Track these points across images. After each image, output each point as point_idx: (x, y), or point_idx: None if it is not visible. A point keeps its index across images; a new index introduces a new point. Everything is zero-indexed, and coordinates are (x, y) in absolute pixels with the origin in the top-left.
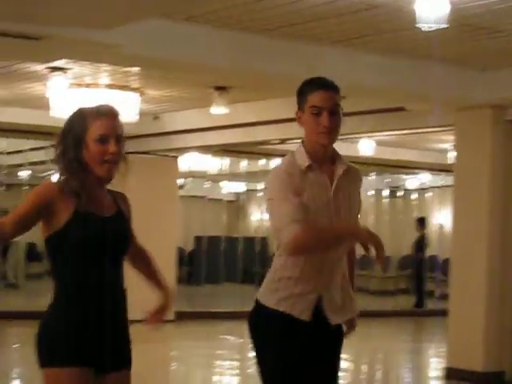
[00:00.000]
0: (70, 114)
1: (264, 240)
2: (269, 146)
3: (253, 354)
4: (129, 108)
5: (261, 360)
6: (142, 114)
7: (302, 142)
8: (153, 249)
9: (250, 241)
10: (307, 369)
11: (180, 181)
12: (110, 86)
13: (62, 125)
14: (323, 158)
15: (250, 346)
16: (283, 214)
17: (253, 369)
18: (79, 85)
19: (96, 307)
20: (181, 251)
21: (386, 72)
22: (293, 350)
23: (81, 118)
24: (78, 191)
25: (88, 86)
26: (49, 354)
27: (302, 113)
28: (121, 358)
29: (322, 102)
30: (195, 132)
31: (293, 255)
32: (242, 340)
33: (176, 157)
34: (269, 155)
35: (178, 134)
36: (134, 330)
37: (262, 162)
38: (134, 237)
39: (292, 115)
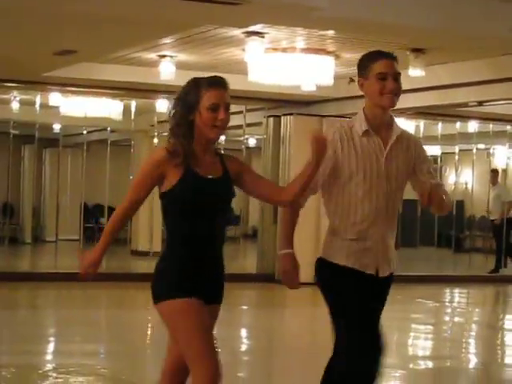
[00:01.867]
0: (186, 83)
1: (460, 203)
2: (466, 109)
3: (450, 317)
4: (324, 71)
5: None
6: (337, 77)
7: (363, 109)
8: None
9: None
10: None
11: None
12: (305, 50)
13: (258, 89)
14: (381, 122)
15: (446, 309)
16: None
17: (448, 333)
18: (275, 49)
19: (199, 254)
20: None
21: None
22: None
23: (196, 87)
24: (187, 153)
25: (284, 50)
26: (161, 289)
27: (365, 80)
28: (216, 295)
29: (387, 69)
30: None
31: None
32: (437, 304)
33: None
34: (465, 117)
35: None
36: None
37: (458, 124)
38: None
39: (492, 77)
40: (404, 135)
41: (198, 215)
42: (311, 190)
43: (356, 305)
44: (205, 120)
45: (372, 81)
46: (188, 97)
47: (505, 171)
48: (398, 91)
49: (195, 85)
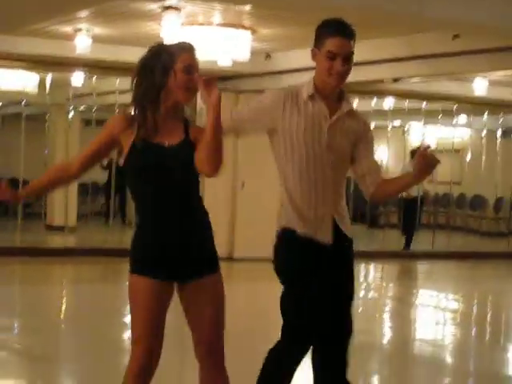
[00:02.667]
0: (150, 49)
1: None
2: (381, 85)
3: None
4: (240, 46)
5: None
6: (254, 52)
7: (313, 77)
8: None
9: None
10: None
11: None
12: (222, 25)
13: None
14: (330, 94)
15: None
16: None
17: (362, 308)
18: (192, 23)
19: (159, 226)
20: None
21: (501, 9)
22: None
23: (168, 51)
24: (141, 122)
25: (201, 24)
26: (130, 259)
27: (318, 51)
28: (194, 270)
29: (337, 49)
30: (307, 71)
31: None
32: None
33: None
34: (381, 94)
35: (290, 73)
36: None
37: (374, 101)
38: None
39: (406, 54)
40: (355, 113)
41: (152, 184)
42: (233, 129)
43: None
44: (179, 82)
45: (322, 57)
46: (159, 61)
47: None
48: (345, 73)
49: (165, 49)
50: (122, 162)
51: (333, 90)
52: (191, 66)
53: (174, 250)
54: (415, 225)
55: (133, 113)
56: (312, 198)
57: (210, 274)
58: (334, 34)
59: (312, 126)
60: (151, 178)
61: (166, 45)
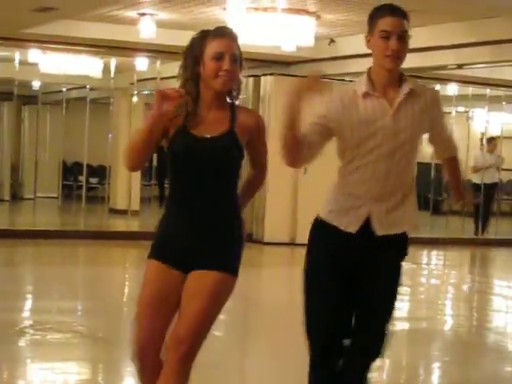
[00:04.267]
0: (192, 36)
1: (439, 166)
2: (445, 72)
3: (427, 279)
4: (305, 32)
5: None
6: (318, 38)
7: (368, 69)
8: (328, 172)
9: (425, 167)
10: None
11: None
12: (286, 10)
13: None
14: (388, 82)
15: (423, 271)
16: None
17: (424, 295)
18: (256, 9)
19: (183, 216)
20: None
21: None
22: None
23: (200, 39)
24: (189, 111)
25: (265, 9)
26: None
27: (372, 36)
28: (207, 260)
29: (390, 27)
30: (371, 56)
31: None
32: (414, 266)
33: (353, 81)
34: (444, 80)
35: (354, 59)
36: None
37: (437, 87)
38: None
39: (471, 40)
40: (416, 92)
41: (187, 174)
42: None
43: None
44: (207, 71)
45: (376, 39)
46: (193, 49)
47: (483, 135)
48: (401, 53)
49: (201, 36)
50: (165, 145)
51: (391, 75)
52: (220, 52)
53: (192, 239)
54: (491, 211)
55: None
56: (356, 191)
57: (215, 271)
58: (385, 13)
59: (373, 121)
60: (185, 166)
61: (204, 31)
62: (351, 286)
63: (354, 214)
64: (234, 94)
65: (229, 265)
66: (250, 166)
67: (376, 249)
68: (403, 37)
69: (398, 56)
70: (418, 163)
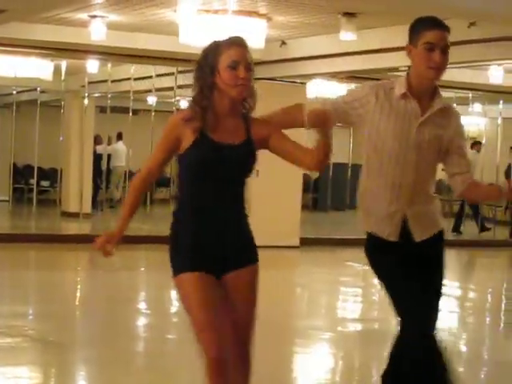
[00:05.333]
0: (205, 46)
1: None
2: (397, 73)
3: (376, 281)
4: (255, 34)
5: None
6: (269, 40)
7: (407, 73)
8: (279, 176)
9: None
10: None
11: None
12: (237, 13)
13: (189, 51)
14: (424, 91)
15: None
16: None
17: (377, 296)
18: (207, 11)
19: (207, 223)
20: (307, 178)
21: None
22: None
23: (215, 49)
24: (205, 118)
25: (216, 12)
26: (172, 263)
27: (414, 47)
28: (237, 260)
29: (436, 40)
30: (322, 58)
31: None
32: (366, 267)
33: (304, 83)
34: None
35: (305, 61)
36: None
37: None
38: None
39: None
40: (447, 110)
41: (208, 182)
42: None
43: None
44: (224, 79)
45: (420, 50)
46: (208, 58)
47: None
48: (444, 65)
49: (214, 46)
50: (179, 153)
51: (429, 85)
52: (236, 61)
53: (220, 245)
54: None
55: (191, 111)
56: (387, 195)
57: (249, 266)
58: (432, 26)
59: (402, 123)
60: (207, 174)
61: (217, 41)
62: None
63: (389, 222)
64: (251, 103)
65: (255, 255)
66: (300, 160)
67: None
68: (446, 50)
69: (441, 68)
70: None
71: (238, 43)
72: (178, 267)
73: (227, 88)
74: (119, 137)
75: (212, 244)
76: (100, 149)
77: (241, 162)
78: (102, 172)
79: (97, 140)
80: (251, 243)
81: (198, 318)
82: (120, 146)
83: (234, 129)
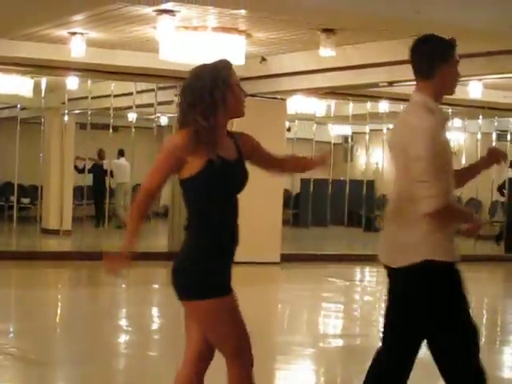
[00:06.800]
0: (201, 68)
1: (371, 183)
2: (376, 89)
3: (360, 296)
4: (235, 51)
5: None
6: (249, 56)
7: (426, 99)
8: (260, 191)
9: (356, 184)
10: None
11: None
12: (216, 29)
13: (169, 67)
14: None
15: (356, 288)
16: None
17: (358, 312)
18: (186, 28)
19: (227, 244)
20: (287, 194)
21: (498, 13)
22: None
23: (222, 67)
24: (214, 140)
25: (195, 28)
26: (199, 287)
27: (447, 65)
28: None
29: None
30: (302, 74)
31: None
32: (347, 283)
33: (284, 99)
34: (376, 98)
35: (286, 77)
36: (240, 272)
37: (369, 104)
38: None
39: (400, 57)
40: None
41: (225, 201)
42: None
43: None
44: (237, 95)
45: (453, 67)
46: (222, 75)
47: None
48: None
49: (223, 64)
50: (184, 177)
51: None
52: (239, 80)
53: (231, 260)
54: None
55: (192, 133)
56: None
57: None
58: (455, 46)
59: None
60: (224, 188)
61: (215, 63)
62: None
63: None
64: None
65: None
66: (271, 169)
67: None
68: None
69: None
70: (350, 180)
71: (230, 65)
72: (215, 290)
73: (236, 104)
74: (121, 153)
75: (230, 259)
76: (105, 164)
77: (244, 177)
78: (106, 188)
79: (100, 155)
80: None
81: (234, 344)
82: (123, 162)
83: (228, 145)
